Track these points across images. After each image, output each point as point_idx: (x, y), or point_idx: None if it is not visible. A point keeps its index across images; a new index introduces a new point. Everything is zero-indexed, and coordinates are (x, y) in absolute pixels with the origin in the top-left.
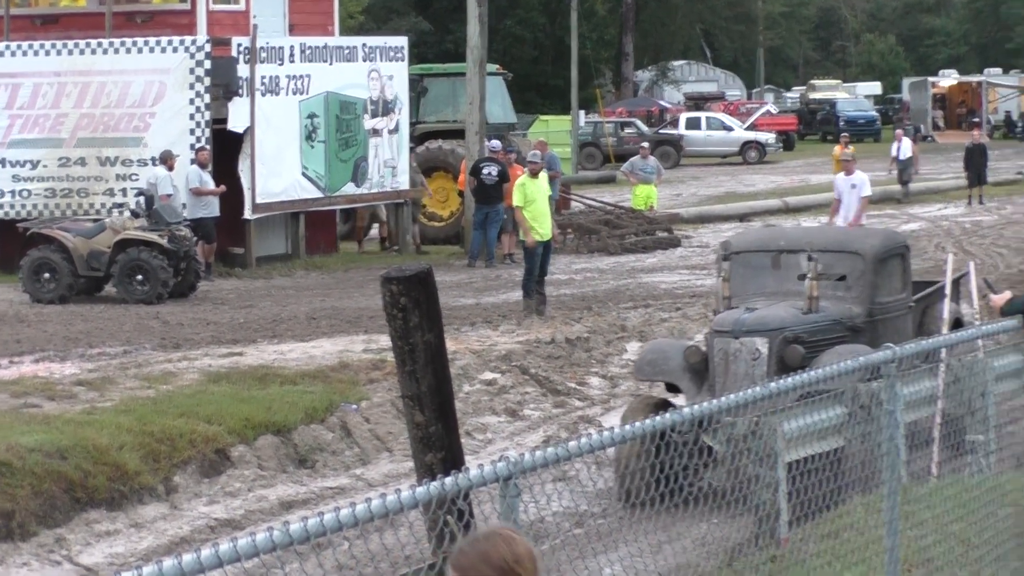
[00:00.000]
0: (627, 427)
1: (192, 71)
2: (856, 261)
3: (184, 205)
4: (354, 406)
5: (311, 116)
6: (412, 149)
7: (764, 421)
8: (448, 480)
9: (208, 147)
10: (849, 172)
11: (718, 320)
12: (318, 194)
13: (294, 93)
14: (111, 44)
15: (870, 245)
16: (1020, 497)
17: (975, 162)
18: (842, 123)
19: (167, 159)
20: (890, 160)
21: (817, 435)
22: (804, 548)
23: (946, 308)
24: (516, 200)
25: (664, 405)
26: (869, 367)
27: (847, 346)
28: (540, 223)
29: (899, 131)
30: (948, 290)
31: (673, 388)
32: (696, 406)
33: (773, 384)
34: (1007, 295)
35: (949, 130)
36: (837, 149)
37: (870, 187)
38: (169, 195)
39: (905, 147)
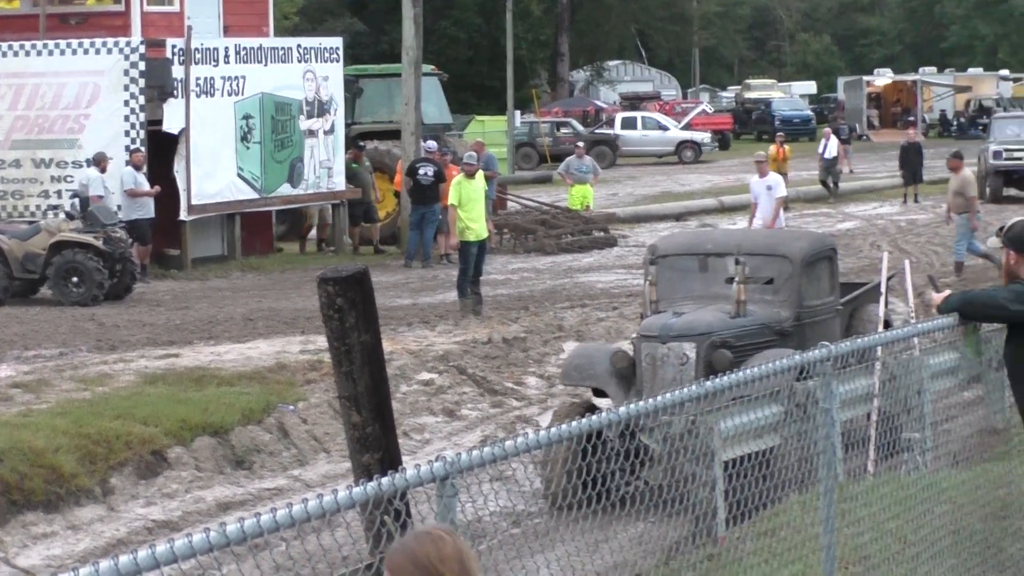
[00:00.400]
0: (563, 427)
1: (127, 73)
2: (784, 264)
3: (119, 207)
4: (291, 407)
5: (246, 117)
6: (363, 148)
7: (700, 420)
8: (385, 480)
9: (143, 148)
10: (763, 174)
11: (645, 325)
12: (254, 195)
13: (229, 94)
14: (45, 46)
15: (798, 248)
16: (956, 495)
17: (910, 161)
18: (777, 122)
19: (100, 161)
20: (818, 158)
21: (753, 434)
22: (741, 546)
23: (882, 307)
24: (452, 199)
25: (592, 410)
26: (805, 366)
27: (775, 351)
28: (475, 223)
29: (827, 129)
30: (884, 288)
31: (601, 393)
32: (632, 405)
33: (709, 383)
34: (947, 293)
35: (884, 129)
36: (773, 149)
37: (784, 188)
38: (100, 196)
39: (832, 146)
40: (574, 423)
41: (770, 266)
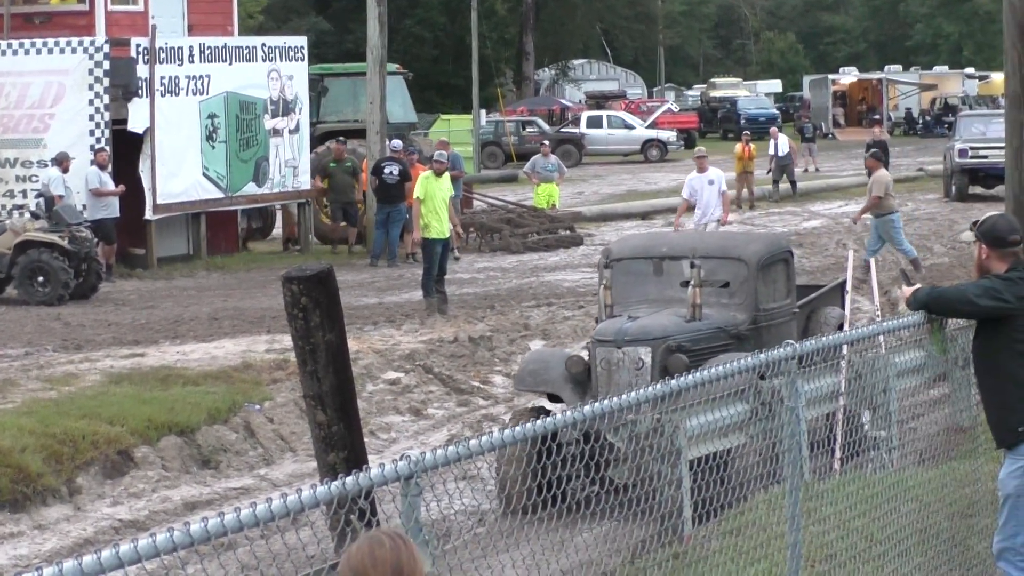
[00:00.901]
0: (528, 425)
1: (91, 72)
2: (739, 267)
3: (84, 206)
4: (257, 406)
5: (211, 116)
6: (344, 143)
7: (666, 418)
8: (350, 479)
9: (107, 148)
10: (703, 169)
11: (600, 329)
12: (219, 194)
13: (194, 93)
14: (9, 45)
15: (753, 251)
16: (923, 493)
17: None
18: (743, 121)
19: (62, 161)
20: (769, 159)
21: (719, 432)
22: (707, 545)
23: (847, 304)
24: (417, 193)
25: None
26: (770, 364)
27: (731, 355)
28: (438, 221)
29: (773, 128)
30: (849, 287)
31: (556, 399)
32: (596, 404)
33: (674, 382)
34: (915, 288)
35: (850, 127)
36: (739, 147)
37: (726, 183)
38: (61, 196)
39: (782, 143)
40: (538, 422)
41: (725, 269)
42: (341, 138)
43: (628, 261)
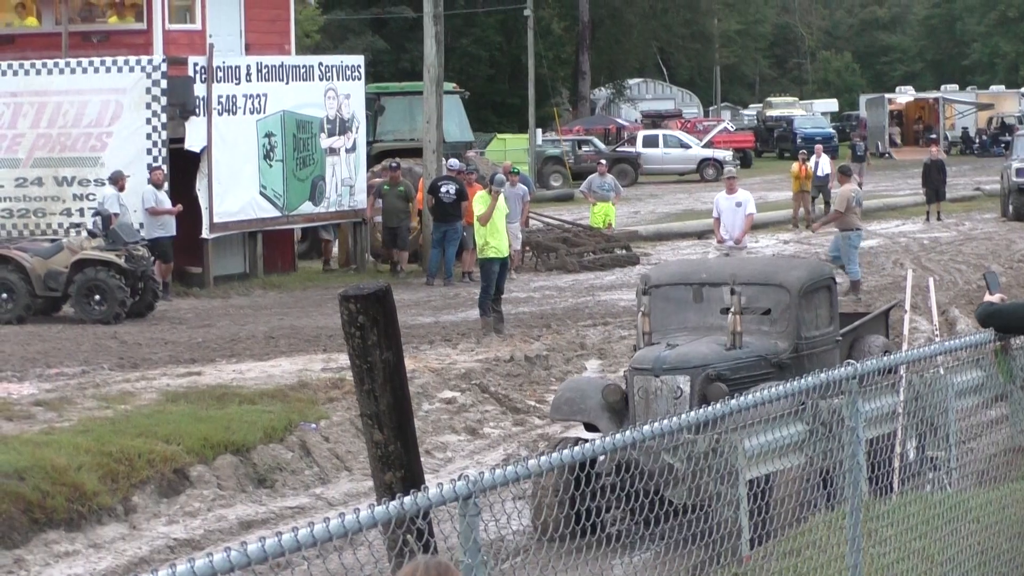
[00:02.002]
0: (587, 445)
1: (148, 91)
2: (781, 294)
3: (141, 225)
4: (313, 425)
5: (268, 135)
6: (396, 168)
7: (725, 438)
8: (407, 499)
9: (164, 167)
10: (732, 191)
11: (638, 357)
12: (276, 213)
13: (251, 112)
14: (67, 64)
15: (795, 278)
16: (982, 514)
17: (933, 178)
18: (799, 140)
19: (117, 179)
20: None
21: (778, 452)
22: (766, 566)
23: (907, 324)
24: (477, 209)
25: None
26: (831, 384)
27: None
28: (497, 240)
29: (818, 147)
30: (908, 306)
31: (593, 428)
32: (655, 424)
33: (733, 402)
34: (998, 297)
35: (906, 147)
36: (795, 166)
37: (754, 205)
38: (117, 214)
39: (824, 164)
40: (598, 442)
41: (767, 296)
42: (395, 162)
43: (667, 288)
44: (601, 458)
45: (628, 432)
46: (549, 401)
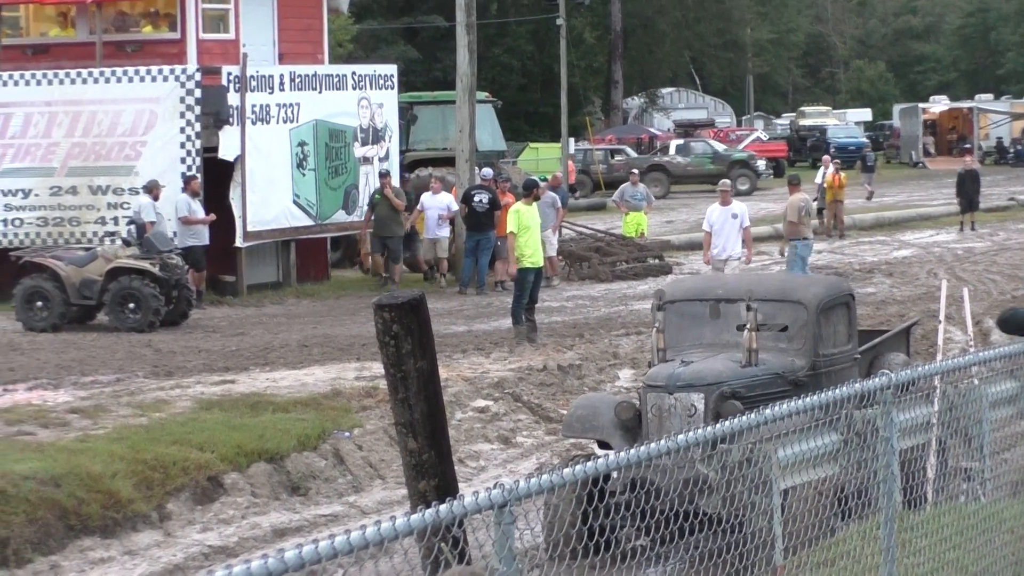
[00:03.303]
0: (621, 454)
1: (182, 100)
2: (798, 311)
3: (174, 233)
4: (347, 433)
5: (301, 144)
6: (387, 175)
7: (759, 448)
8: (443, 507)
9: (198, 175)
10: (726, 203)
11: (651, 374)
12: (309, 222)
13: (284, 121)
14: (101, 73)
15: (813, 294)
16: (1017, 525)
17: (967, 188)
18: (832, 149)
19: (152, 188)
20: (816, 187)
21: (812, 462)
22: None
23: (941, 334)
24: (511, 227)
25: None
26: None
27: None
28: (532, 250)
29: (826, 157)
30: (942, 316)
31: (605, 446)
32: (692, 433)
33: (768, 411)
34: None
35: (940, 156)
36: (828, 175)
37: (748, 217)
38: (152, 223)
39: (830, 175)
40: (631, 450)
41: (784, 312)
42: (385, 171)
43: (682, 303)
44: (614, 475)
45: (642, 448)
46: None
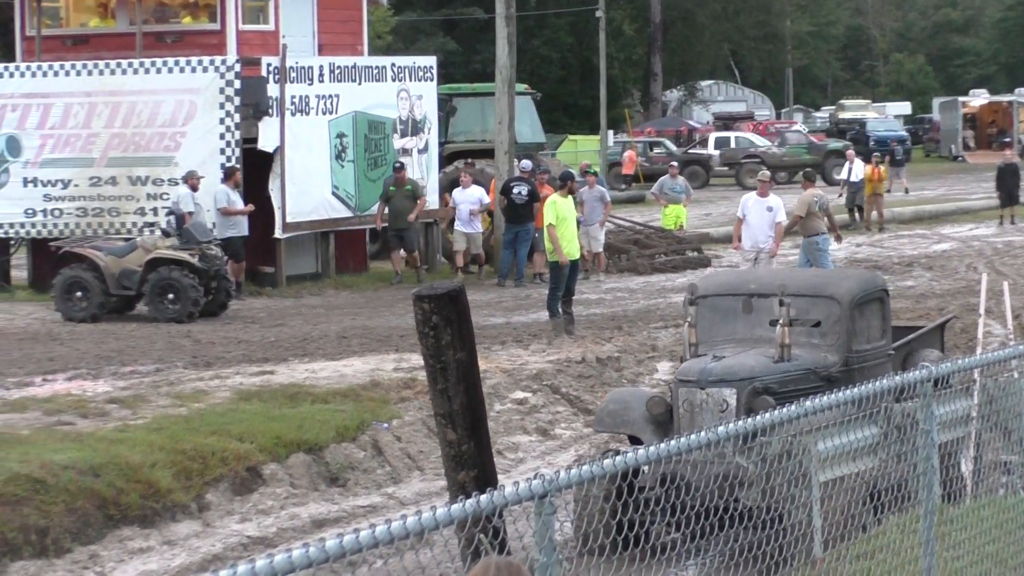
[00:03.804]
0: (662, 445)
1: (222, 91)
2: (831, 306)
3: (214, 224)
4: (385, 424)
5: (340, 136)
6: (401, 168)
7: (797, 441)
8: (483, 498)
9: (238, 166)
10: (763, 194)
11: (683, 369)
12: (348, 213)
13: (323, 113)
14: (141, 64)
15: (846, 289)
16: None
17: (1007, 182)
18: (872, 143)
19: (190, 179)
20: (841, 184)
21: (851, 455)
22: (839, 568)
23: (980, 328)
24: (548, 218)
25: None
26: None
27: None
28: (568, 242)
29: (850, 151)
30: (982, 309)
31: (636, 441)
32: (731, 425)
33: (808, 403)
34: None
35: (979, 150)
36: (868, 169)
37: (784, 213)
38: (191, 213)
39: (857, 169)
40: (672, 442)
41: (817, 308)
42: (399, 163)
43: (715, 298)
44: (644, 470)
45: (681, 440)
46: None
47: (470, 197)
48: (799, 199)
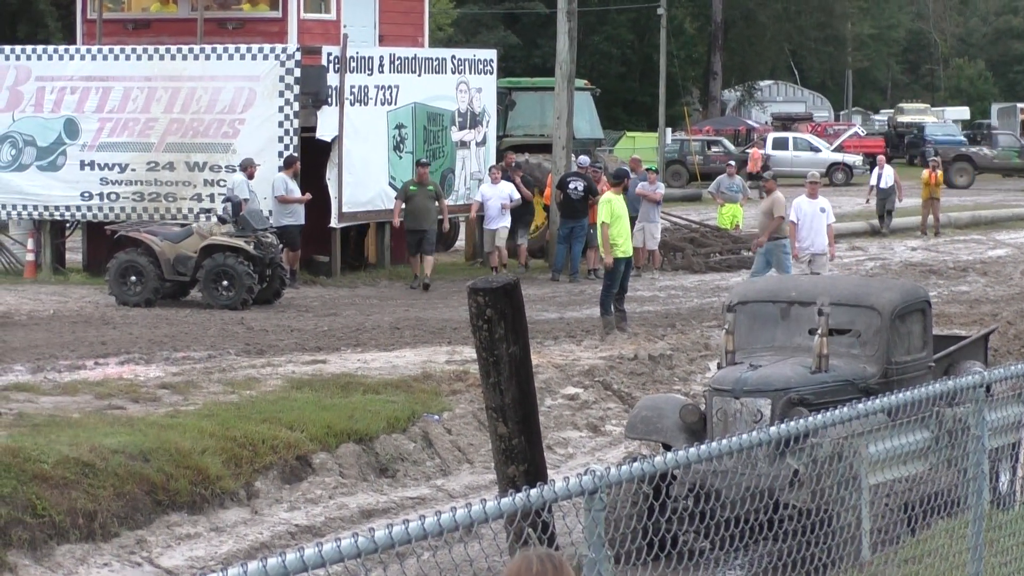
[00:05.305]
0: (713, 444)
1: (282, 79)
2: (871, 316)
3: (270, 212)
4: (436, 417)
5: (399, 127)
6: (426, 165)
7: (848, 443)
8: (533, 492)
9: (297, 156)
10: (813, 195)
11: (718, 377)
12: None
13: (382, 103)
14: (202, 50)
15: (887, 299)
16: None
17: None
18: (930, 147)
19: (247, 167)
20: (868, 189)
21: (901, 459)
22: (886, 571)
23: None
24: (603, 216)
25: None
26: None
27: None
28: (623, 240)
29: (881, 157)
30: None
31: (669, 449)
32: (783, 425)
33: (861, 406)
34: None
35: None
36: (926, 173)
37: (833, 214)
38: (246, 200)
39: (887, 175)
40: (725, 440)
41: (857, 318)
42: (424, 159)
43: (754, 305)
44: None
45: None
46: None
47: (500, 192)
48: (774, 201)
